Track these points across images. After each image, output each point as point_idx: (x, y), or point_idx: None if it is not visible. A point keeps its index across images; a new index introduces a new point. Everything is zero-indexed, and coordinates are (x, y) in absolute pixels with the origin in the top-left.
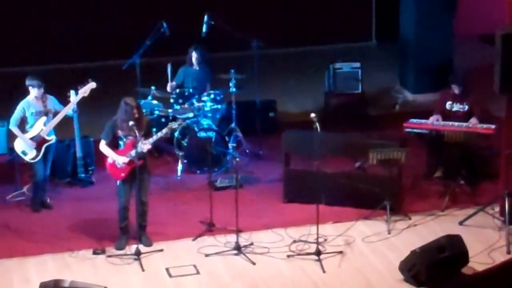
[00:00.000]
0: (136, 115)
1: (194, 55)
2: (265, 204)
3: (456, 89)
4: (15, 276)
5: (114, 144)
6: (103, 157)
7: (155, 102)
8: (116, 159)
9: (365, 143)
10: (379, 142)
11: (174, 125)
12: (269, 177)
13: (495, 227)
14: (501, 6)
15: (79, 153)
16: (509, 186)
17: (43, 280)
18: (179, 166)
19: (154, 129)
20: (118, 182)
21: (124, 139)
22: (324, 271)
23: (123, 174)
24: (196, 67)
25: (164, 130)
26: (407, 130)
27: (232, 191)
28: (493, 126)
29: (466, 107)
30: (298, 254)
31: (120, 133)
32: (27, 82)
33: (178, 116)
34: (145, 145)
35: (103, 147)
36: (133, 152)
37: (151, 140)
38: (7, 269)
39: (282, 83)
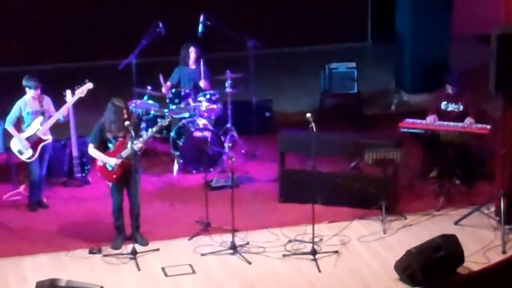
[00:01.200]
0: (126, 116)
1: (193, 50)
2: (260, 204)
3: (450, 89)
4: (11, 275)
5: (103, 147)
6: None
7: (151, 102)
8: (107, 161)
9: (360, 143)
10: (374, 142)
11: (164, 122)
12: (265, 177)
13: (491, 227)
14: (497, 6)
15: (75, 153)
16: (505, 186)
17: (39, 279)
18: (175, 166)
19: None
20: (110, 184)
21: (113, 141)
22: (319, 271)
23: (114, 176)
24: (192, 65)
25: (154, 128)
26: (403, 130)
27: (228, 190)
28: (488, 126)
29: (461, 107)
30: (294, 254)
31: (108, 135)
32: (24, 83)
33: (174, 116)
34: (136, 145)
35: (92, 150)
36: (123, 153)
37: (141, 139)
38: (3, 268)
39: (278, 83)
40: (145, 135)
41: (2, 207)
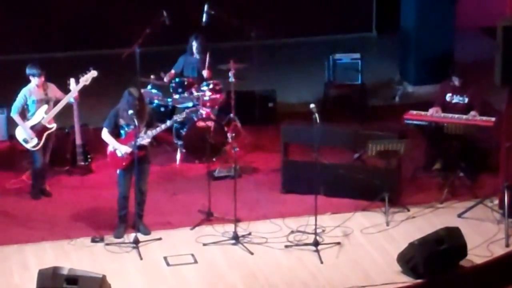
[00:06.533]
0: (138, 107)
1: (194, 44)
2: (263, 194)
3: (456, 81)
4: (13, 263)
5: (115, 133)
6: (103, 145)
7: (154, 91)
8: (118, 148)
9: (364, 134)
10: (378, 134)
11: (178, 118)
12: (268, 167)
13: (494, 220)
14: None
15: (78, 141)
16: (509, 179)
17: (42, 267)
18: (178, 155)
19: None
20: (118, 171)
21: (126, 128)
22: (322, 262)
23: (123, 163)
24: (196, 56)
25: (169, 122)
26: (407, 121)
27: (230, 181)
28: (493, 119)
29: (466, 99)
30: (296, 245)
31: (121, 121)
32: (28, 71)
33: (177, 106)
34: (144, 140)
35: (105, 135)
36: (136, 142)
37: (149, 133)
38: (6, 256)
39: (282, 73)
40: (158, 128)
41: (6, 195)
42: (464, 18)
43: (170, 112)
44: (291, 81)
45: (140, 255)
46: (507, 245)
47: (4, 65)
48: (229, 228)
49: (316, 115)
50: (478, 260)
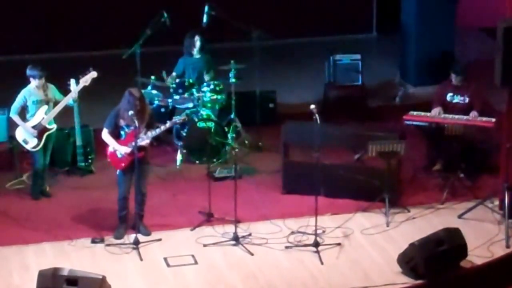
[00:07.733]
0: (138, 107)
1: (197, 39)
2: (263, 195)
3: (456, 80)
4: (14, 264)
5: (116, 134)
6: (103, 146)
7: (154, 92)
8: (118, 148)
9: (364, 135)
10: (378, 134)
11: (177, 120)
12: (268, 168)
13: (495, 221)
14: None
15: (79, 142)
16: (509, 179)
17: (42, 268)
18: (179, 156)
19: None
20: (118, 171)
21: (126, 129)
22: (322, 263)
23: (123, 164)
24: (196, 55)
25: (168, 124)
26: (407, 122)
27: (231, 181)
28: (493, 119)
29: (467, 100)
30: (296, 246)
31: (122, 122)
32: (28, 72)
33: (177, 106)
34: (144, 141)
35: (105, 135)
36: (135, 143)
37: (149, 134)
38: (6, 257)
39: (282, 74)
40: (157, 129)
41: (5, 195)
42: (464, 19)
43: (171, 113)
44: (292, 82)
45: (140, 256)
46: (508, 246)
47: (4, 65)
48: (229, 229)
49: (317, 115)
50: (479, 261)
